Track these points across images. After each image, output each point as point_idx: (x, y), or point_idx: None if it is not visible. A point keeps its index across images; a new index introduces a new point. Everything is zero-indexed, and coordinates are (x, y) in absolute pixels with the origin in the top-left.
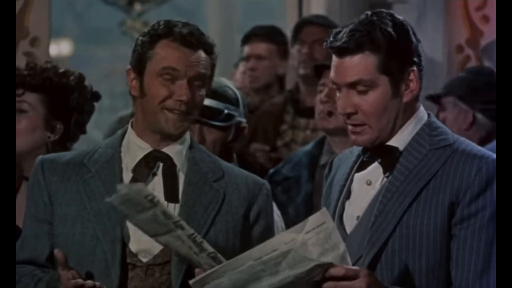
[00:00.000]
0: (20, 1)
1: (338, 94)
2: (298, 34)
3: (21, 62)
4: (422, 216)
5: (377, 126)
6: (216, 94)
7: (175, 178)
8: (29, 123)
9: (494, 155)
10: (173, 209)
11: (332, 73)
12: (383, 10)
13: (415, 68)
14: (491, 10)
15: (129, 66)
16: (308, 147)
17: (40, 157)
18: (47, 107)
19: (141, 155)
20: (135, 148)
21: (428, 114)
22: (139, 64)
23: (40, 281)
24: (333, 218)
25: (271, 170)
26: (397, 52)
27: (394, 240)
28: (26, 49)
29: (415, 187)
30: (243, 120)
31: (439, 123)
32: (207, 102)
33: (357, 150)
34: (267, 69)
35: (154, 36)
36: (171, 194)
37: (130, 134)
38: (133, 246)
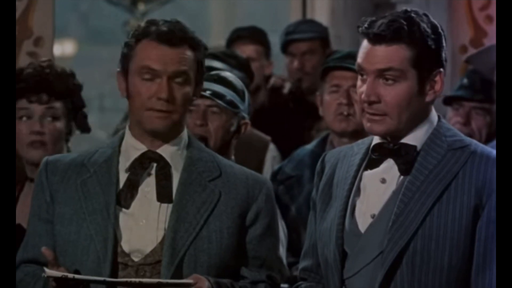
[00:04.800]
0: (24, 1)
1: (359, 83)
2: (287, 47)
3: (25, 62)
4: (446, 217)
5: (397, 119)
6: (222, 81)
7: (168, 178)
8: (58, 128)
9: None
10: (166, 209)
11: (360, 59)
12: (419, 10)
13: (442, 70)
14: (495, 10)
15: (118, 69)
16: (311, 146)
17: (45, 158)
18: (68, 111)
19: (135, 155)
20: (130, 149)
21: (438, 116)
22: (123, 65)
23: (39, 279)
24: (343, 216)
25: (275, 168)
26: (429, 51)
27: (416, 240)
28: (30, 49)
29: (436, 187)
30: (246, 116)
31: (449, 125)
32: (213, 86)
33: (358, 147)
34: (256, 71)
35: (137, 36)
36: (163, 194)
37: (127, 135)
38: (125, 246)
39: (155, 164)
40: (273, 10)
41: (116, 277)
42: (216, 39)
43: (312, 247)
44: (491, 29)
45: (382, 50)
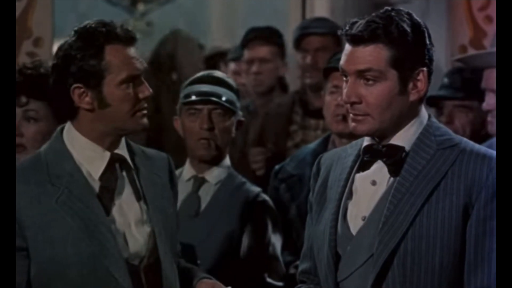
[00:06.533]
0: (23, 2)
1: (344, 84)
2: (300, 43)
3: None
4: (436, 217)
5: (379, 119)
6: (218, 81)
7: (134, 177)
8: (39, 131)
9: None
10: (142, 207)
11: (342, 61)
12: (402, 8)
13: (425, 69)
14: (494, 10)
15: (75, 84)
16: (313, 145)
17: None
18: (53, 111)
19: (104, 161)
20: (90, 153)
21: (429, 115)
22: (93, 78)
23: None
24: (335, 219)
25: (277, 167)
26: (409, 49)
27: (406, 241)
28: (29, 49)
29: (426, 187)
30: (241, 113)
31: (440, 124)
32: (211, 88)
33: (351, 149)
34: (271, 72)
35: (97, 44)
36: (139, 193)
37: (79, 140)
38: (125, 253)
39: (117, 166)
40: (272, 10)
41: (141, 285)
42: (215, 39)
43: (310, 250)
44: (491, 29)
45: (360, 51)
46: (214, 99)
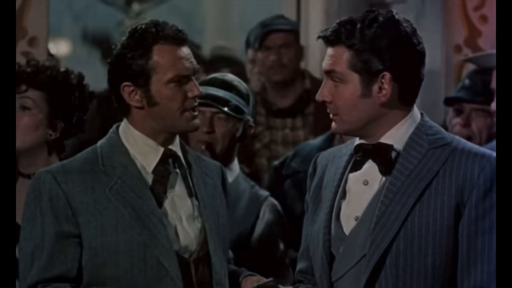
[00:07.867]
0: (18, 1)
1: None
2: (263, 41)
3: (19, 62)
4: (427, 217)
5: (346, 120)
6: (227, 86)
7: (187, 175)
8: (32, 120)
9: (495, 153)
10: (194, 203)
11: None
12: (389, 10)
13: (387, 74)
14: (489, 10)
15: (125, 82)
16: (317, 142)
17: (44, 170)
18: (50, 105)
19: (157, 155)
20: (144, 148)
21: (421, 114)
22: (141, 77)
23: None
24: (329, 219)
25: (276, 162)
26: (371, 54)
27: (398, 241)
28: (24, 48)
29: (417, 187)
30: (251, 119)
31: (433, 123)
32: (218, 92)
33: (346, 149)
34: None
35: (145, 44)
36: (191, 190)
37: (134, 134)
38: (175, 245)
39: (171, 162)
40: (267, 10)
41: (190, 276)
42: (210, 39)
43: (307, 249)
44: (485, 29)
45: (329, 52)
46: (215, 104)
